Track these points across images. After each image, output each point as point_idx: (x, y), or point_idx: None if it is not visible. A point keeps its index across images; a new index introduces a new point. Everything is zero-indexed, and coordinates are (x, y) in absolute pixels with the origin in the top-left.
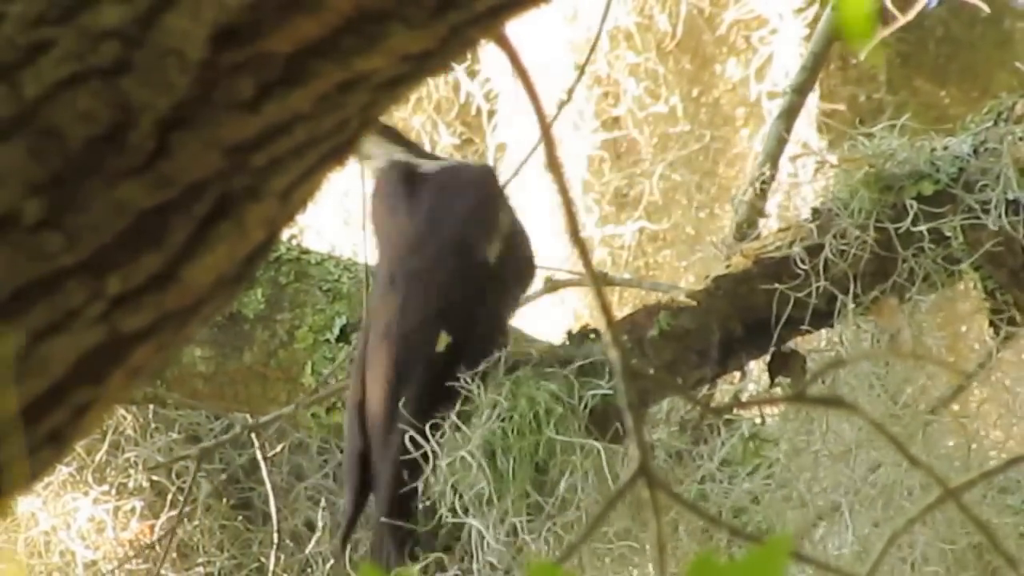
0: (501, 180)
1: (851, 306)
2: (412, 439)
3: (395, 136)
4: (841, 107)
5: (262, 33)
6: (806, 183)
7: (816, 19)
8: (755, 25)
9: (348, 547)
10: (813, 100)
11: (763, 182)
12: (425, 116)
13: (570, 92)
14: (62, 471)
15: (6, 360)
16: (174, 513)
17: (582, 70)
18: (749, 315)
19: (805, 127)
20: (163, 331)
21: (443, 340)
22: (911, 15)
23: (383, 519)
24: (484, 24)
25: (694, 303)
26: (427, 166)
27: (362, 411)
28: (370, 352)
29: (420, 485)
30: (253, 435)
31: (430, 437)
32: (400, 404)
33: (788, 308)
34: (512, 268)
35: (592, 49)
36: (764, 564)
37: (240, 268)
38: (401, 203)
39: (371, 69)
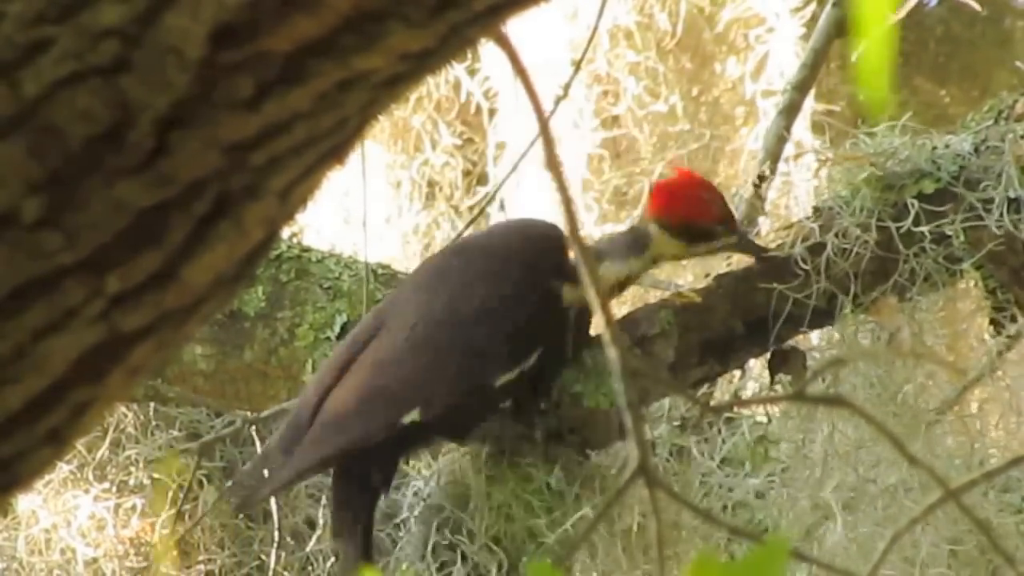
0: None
1: (849, 308)
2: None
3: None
4: (839, 107)
5: (261, 32)
6: (803, 182)
7: (814, 18)
8: (754, 23)
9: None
10: (809, 101)
11: (762, 179)
12: (425, 115)
13: (566, 88)
14: (63, 469)
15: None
16: (174, 511)
17: (578, 66)
18: (750, 313)
19: (801, 128)
20: (162, 330)
21: (411, 416)
22: (902, 13)
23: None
24: (484, 23)
25: (698, 299)
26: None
27: (326, 394)
28: (363, 355)
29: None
30: (254, 432)
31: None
32: (335, 440)
33: (788, 306)
34: (519, 389)
35: (587, 47)
36: (764, 563)
37: (239, 267)
38: (478, 258)
39: (370, 68)
